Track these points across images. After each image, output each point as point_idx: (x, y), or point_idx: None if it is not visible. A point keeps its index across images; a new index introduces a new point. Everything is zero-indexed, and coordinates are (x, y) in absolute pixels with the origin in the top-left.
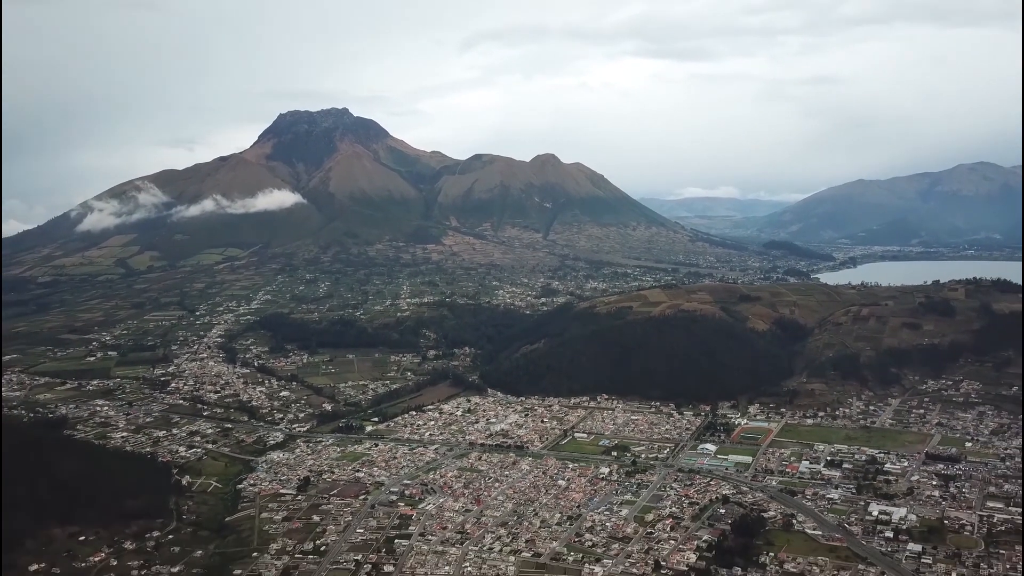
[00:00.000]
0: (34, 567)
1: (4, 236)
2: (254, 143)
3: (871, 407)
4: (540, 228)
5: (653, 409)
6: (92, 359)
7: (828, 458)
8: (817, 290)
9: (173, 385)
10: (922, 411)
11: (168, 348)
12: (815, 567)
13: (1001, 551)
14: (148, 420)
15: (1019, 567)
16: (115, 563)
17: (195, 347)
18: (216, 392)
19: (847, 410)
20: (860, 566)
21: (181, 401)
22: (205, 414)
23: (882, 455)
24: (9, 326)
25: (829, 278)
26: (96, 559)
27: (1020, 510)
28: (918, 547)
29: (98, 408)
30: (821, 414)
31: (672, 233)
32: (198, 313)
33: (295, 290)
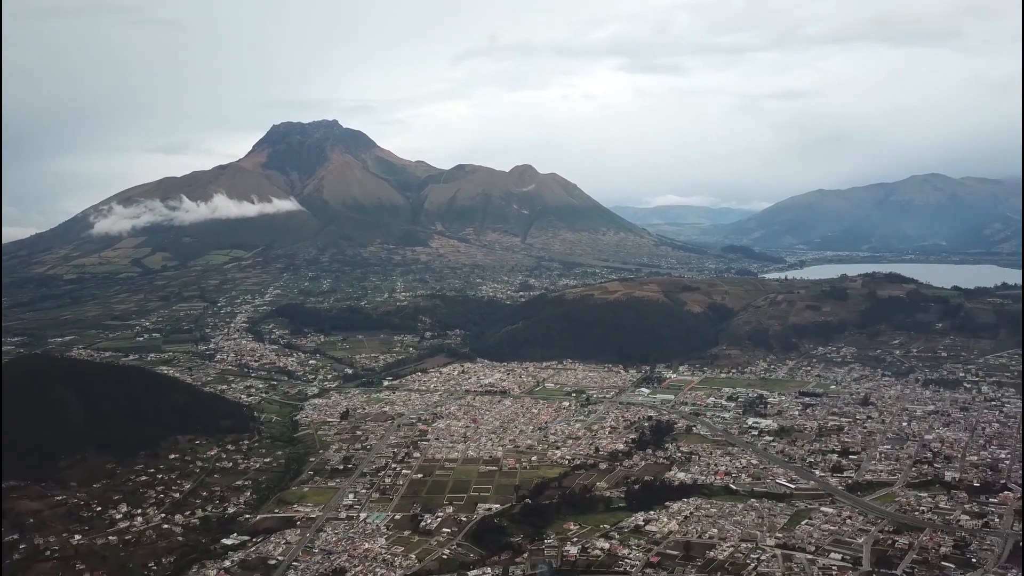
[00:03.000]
0: (172, 456)
1: (19, 239)
2: (249, 152)
3: (772, 366)
4: (519, 233)
5: (606, 368)
6: (140, 339)
7: (728, 395)
8: (747, 283)
9: (219, 357)
10: (809, 368)
11: (202, 331)
12: (700, 448)
13: (824, 439)
14: (208, 379)
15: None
16: (224, 456)
17: (225, 330)
18: (256, 361)
19: (754, 368)
20: (730, 447)
21: (230, 367)
22: (252, 375)
23: (768, 394)
24: (56, 314)
25: (773, 277)
26: (211, 454)
27: (849, 420)
28: (771, 439)
29: (165, 372)
30: (733, 371)
31: (638, 238)
32: (219, 304)
33: (301, 286)
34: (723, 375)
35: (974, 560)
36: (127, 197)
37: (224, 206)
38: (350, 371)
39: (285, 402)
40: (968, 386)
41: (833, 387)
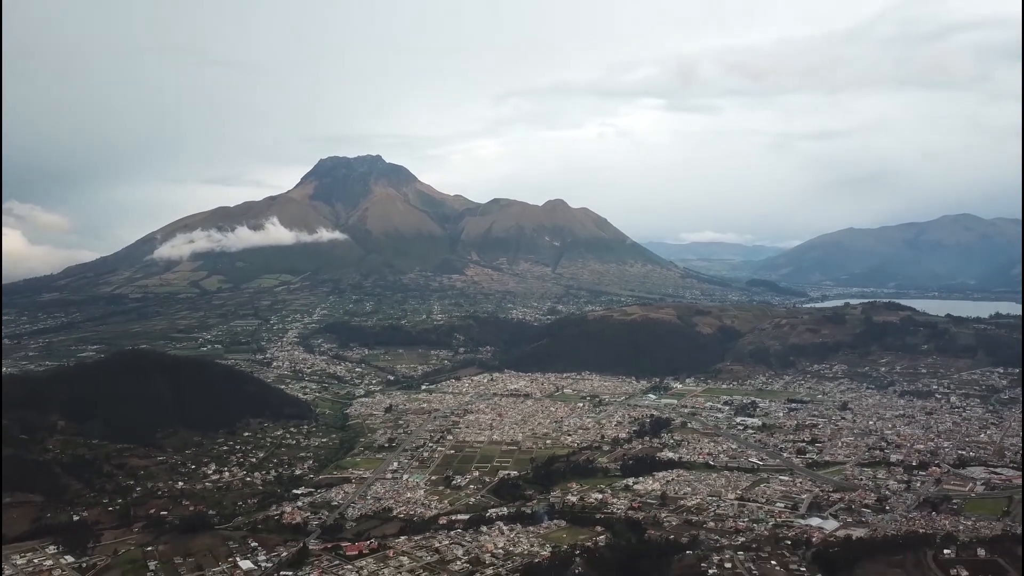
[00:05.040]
0: (247, 434)
1: (87, 261)
2: (298, 184)
3: (770, 380)
4: (549, 263)
5: (620, 379)
6: (204, 349)
7: (725, 400)
8: (756, 308)
9: (275, 364)
10: (803, 382)
11: (259, 343)
12: (691, 437)
13: (798, 432)
14: (268, 381)
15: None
16: (289, 436)
17: (279, 343)
18: (308, 368)
19: (753, 381)
20: (716, 437)
21: (286, 373)
22: (306, 379)
23: (760, 400)
24: (126, 327)
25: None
26: (277, 434)
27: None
28: (753, 432)
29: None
30: (734, 383)
31: (665, 271)
32: (272, 321)
33: (345, 307)
34: (724, 386)
35: (888, 508)
36: (185, 225)
37: (274, 234)
38: (392, 378)
39: (336, 400)
40: (939, 397)
41: (820, 396)
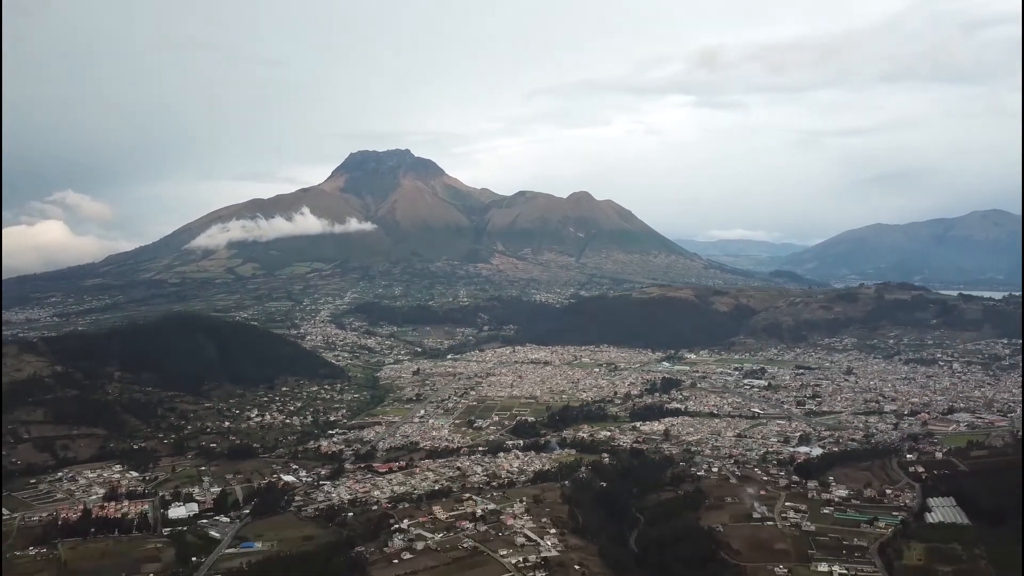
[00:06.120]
0: (284, 388)
1: (127, 249)
2: (328, 177)
3: (781, 352)
4: (573, 253)
5: (636, 351)
6: None
7: (735, 367)
8: (772, 289)
9: (308, 338)
10: (813, 353)
11: (293, 321)
12: (699, 394)
13: (803, 392)
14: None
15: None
16: (323, 392)
17: (312, 321)
18: (341, 342)
19: (765, 353)
20: (724, 393)
21: (320, 345)
22: (338, 350)
23: (769, 367)
24: (167, 308)
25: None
26: (313, 389)
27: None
28: (759, 390)
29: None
30: (747, 354)
31: (688, 261)
32: (304, 303)
33: (375, 291)
34: (737, 357)
35: (873, 441)
36: (220, 216)
37: (306, 224)
38: (419, 350)
39: (367, 366)
40: (942, 364)
41: (827, 365)
